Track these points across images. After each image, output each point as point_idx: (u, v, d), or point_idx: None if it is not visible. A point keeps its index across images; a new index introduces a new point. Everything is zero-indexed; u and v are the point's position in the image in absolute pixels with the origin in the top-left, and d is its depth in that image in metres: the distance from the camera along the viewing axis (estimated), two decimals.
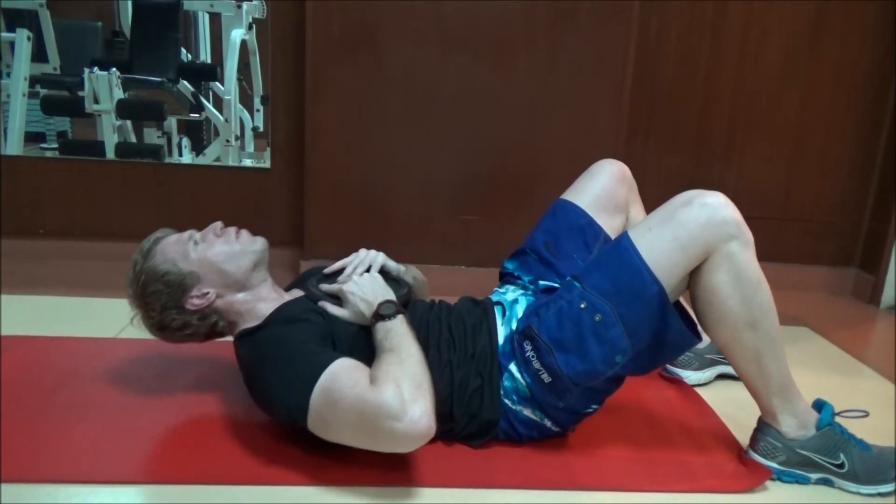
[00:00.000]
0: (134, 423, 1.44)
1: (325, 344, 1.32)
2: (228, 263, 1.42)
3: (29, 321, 1.93)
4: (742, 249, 1.27)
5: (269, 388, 1.29)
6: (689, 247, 1.27)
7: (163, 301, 1.41)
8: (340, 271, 1.51)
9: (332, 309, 1.41)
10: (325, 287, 1.46)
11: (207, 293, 1.42)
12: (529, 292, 1.54)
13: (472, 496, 1.29)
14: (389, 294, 1.40)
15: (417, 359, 1.23)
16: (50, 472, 1.26)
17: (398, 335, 1.28)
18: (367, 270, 1.49)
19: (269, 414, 1.34)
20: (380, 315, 1.32)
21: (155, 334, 1.47)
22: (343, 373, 1.20)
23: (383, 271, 1.53)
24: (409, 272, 1.61)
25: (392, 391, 1.14)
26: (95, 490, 1.23)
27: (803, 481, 1.38)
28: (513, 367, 1.37)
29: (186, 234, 1.46)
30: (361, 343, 1.34)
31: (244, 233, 1.48)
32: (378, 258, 1.53)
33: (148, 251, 1.43)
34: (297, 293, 1.50)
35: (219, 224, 1.47)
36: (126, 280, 1.44)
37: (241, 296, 1.45)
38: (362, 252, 1.54)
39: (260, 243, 1.47)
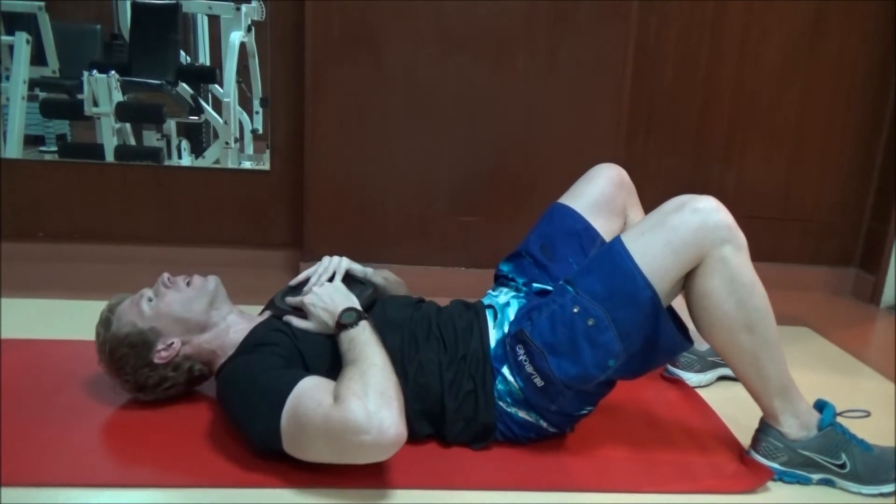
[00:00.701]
0: (133, 426, 1.44)
1: (292, 363, 1.34)
2: (184, 311, 1.45)
3: (28, 324, 1.93)
4: (735, 253, 1.28)
5: (241, 418, 1.32)
6: (682, 251, 1.27)
7: (132, 363, 1.43)
8: (306, 282, 1.52)
9: (297, 322, 1.42)
10: (289, 300, 1.48)
11: (172, 343, 1.44)
12: (522, 295, 1.54)
13: (471, 498, 1.29)
14: (351, 301, 1.41)
15: (380, 366, 1.24)
16: (49, 476, 1.26)
17: (360, 344, 1.29)
18: (332, 278, 1.51)
19: (248, 444, 1.33)
20: (341, 324, 1.33)
21: (137, 397, 1.49)
22: (306, 394, 1.21)
23: (348, 275, 1.54)
24: (378, 273, 1.62)
25: (355, 405, 1.15)
26: (95, 493, 1.23)
27: (805, 482, 1.38)
28: (505, 371, 1.37)
29: (139, 294, 1.48)
30: (331, 352, 1.35)
31: (195, 277, 1.50)
32: (342, 264, 1.55)
33: (106, 320, 1.46)
34: (268, 314, 1.52)
35: (166, 275, 1.49)
36: (97, 353, 1.46)
37: (206, 336, 1.47)
38: (325, 260, 1.56)
39: (212, 283, 1.50)
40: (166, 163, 2.76)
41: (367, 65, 2.32)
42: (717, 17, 2.50)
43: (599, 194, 1.63)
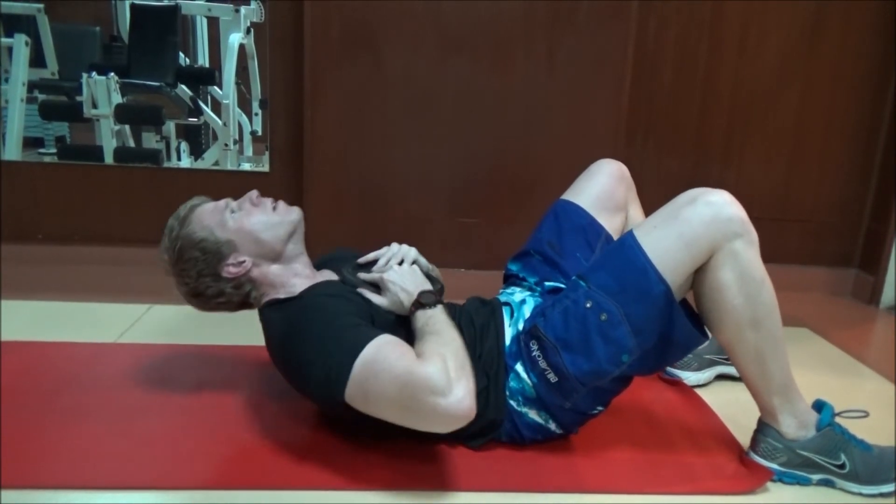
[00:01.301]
0: (134, 428, 1.44)
1: (367, 321, 1.31)
2: (265, 232, 1.42)
3: (28, 326, 1.93)
4: (747, 247, 1.27)
5: (308, 354, 1.26)
6: (694, 245, 1.27)
7: (199, 268, 1.41)
8: (373, 263, 1.49)
9: (370, 296, 1.39)
10: (363, 275, 1.45)
11: (244, 261, 1.42)
12: (536, 293, 1.54)
13: (474, 499, 1.29)
14: (428, 285, 1.40)
15: (460, 343, 1.23)
16: (49, 478, 1.26)
17: (439, 322, 1.28)
18: (400, 263, 1.48)
19: (300, 384, 1.31)
20: (420, 304, 1.32)
21: (189, 301, 1.47)
22: (389, 346, 1.20)
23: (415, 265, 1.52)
24: (436, 271, 1.60)
25: (439, 367, 1.13)
26: (94, 496, 1.23)
27: (804, 482, 1.38)
28: (519, 368, 1.37)
29: (223, 202, 1.46)
30: (399, 334, 1.31)
31: (281, 203, 1.48)
32: (411, 253, 1.51)
33: (184, 218, 1.43)
34: (330, 275, 1.49)
35: (255, 193, 1.47)
36: (161, 247, 1.44)
37: (276, 267, 1.45)
38: (395, 245, 1.52)
39: (296, 213, 1.47)
40: (165, 164, 2.76)
41: (367, 66, 2.32)
42: (716, 18, 2.50)
43: (602, 189, 1.63)
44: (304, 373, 1.27)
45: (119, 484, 1.26)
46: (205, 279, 1.42)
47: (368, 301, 1.38)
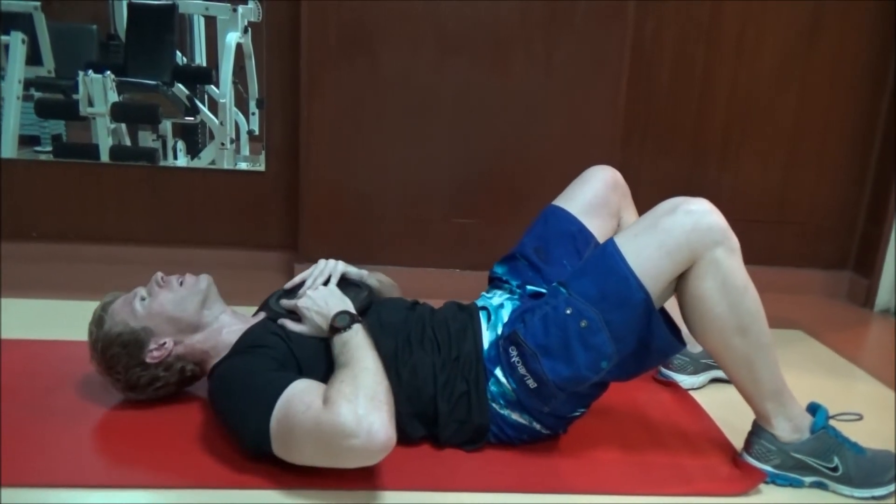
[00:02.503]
0: (127, 427, 1.44)
1: (285, 366, 1.33)
2: (176, 310, 1.45)
3: (23, 325, 1.92)
4: (727, 255, 1.28)
5: (231, 419, 1.31)
6: (675, 253, 1.27)
7: (124, 362, 1.43)
8: (301, 285, 1.52)
9: (291, 325, 1.42)
10: (283, 303, 1.48)
11: (164, 343, 1.44)
12: (516, 297, 1.54)
13: (463, 499, 1.29)
14: (345, 304, 1.41)
15: (372, 370, 1.23)
16: (43, 476, 1.26)
17: (353, 347, 1.28)
18: (328, 281, 1.51)
19: (238, 444, 1.33)
20: (334, 328, 1.33)
21: (128, 396, 1.49)
22: (297, 398, 1.21)
23: (344, 279, 1.54)
24: (372, 276, 1.62)
25: (345, 409, 1.14)
26: (88, 494, 1.23)
27: (797, 485, 1.38)
28: (498, 372, 1.37)
29: (133, 292, 1.48)
30: (325, 356, 1.34)
31: (187, 277, 1.50)
32: (338, 267, 1.55)
33: (99, 319, 1.45)
34: (262, 316, 1.51)
35: (159, 274, 1.49)
36: (89, 352, 1.46)
37: (199, 336, 1.47)
38: (321, 262, 1.56)
39: (204, 281, 1.50)
40: (161, 163, 2.75)
41: (363, 66, 2.31)
42: (714, 19, 2.50)
43: (594, 196, 1.63)
44: (236, 438, 1.32)
45: (112, 482, 1.26)
46: (134, 370, 1.44)
47: (288, 333, 1.40)
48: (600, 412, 1.46)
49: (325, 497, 1.25)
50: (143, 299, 1.46)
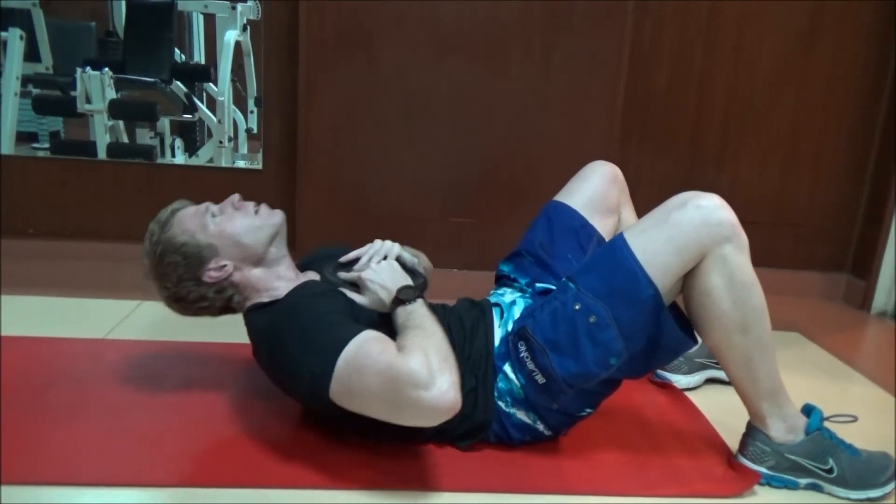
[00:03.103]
0: (123, 424, 1.43)
1: (350, 319, 1.30)
2: (246, 236, 1.41)
3: (18, 322, 1.92)
4: (736, 252, 1.27)
5: (292, 354, 1.25)
6: (684, 249, 1.27)
7: (179, 272, 1.40)
8: (355, 261, 1.49)
9: (352, 296, 1.38)
10: (342, 275, 1.44)
11: (225, 266, 1.40)
12: (527, 294, 1.54)
13: (462, 499, 1.29)
14: (408, 280, 1.39)
15: (442, 335, 1.22)
16: (41, 474, 1.25)
17: (420, 316, 1.27)
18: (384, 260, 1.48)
19: (286, 385, 1.31)
20: (399, 300, 1.31)
21: (170, 306, 1.46)
22: (370, 342, 1.19)
23: (399, 262, 1.51)
24: (420, 262, 1.59)
25: (420, 360, 1.13)
26: (82, 492, 1.23)
27: (792, 486, 1.38)
28: (507, 369, 1.37)
29: (204, 206, 1.45)
30: (383, 331, 1.30)
31: (263, 206, 1.47)
32: (394, 249, 1.51)
33: (165, 222, 1.42)
34: (314, 275, 1.48)
35: (237, 196, 1.46)
36: (142, 251, 1.43)
37: (258, 271, 1.44)
38: (377, 242, 1.52)
39: (278, 216, 1.46)
40: (159, 161, 2.75)
41: (361, 66, 2.31)
42: (712, 19, 2.50)
43: (594, 191, 1.63)
44: (290, 373, 1.27)
45: (106, 480, 1.26)
46: (186, 284, 1.41)
47: (350, 300, 1.38)
48: (597, 413, 1.46)
49: (321, 497, 1.25)
50: (214, 216, 1.42)
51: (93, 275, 2.39)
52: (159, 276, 1.42)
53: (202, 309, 1.45)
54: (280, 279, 1.44)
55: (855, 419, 1.44)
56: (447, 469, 1.35)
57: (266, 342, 1.34)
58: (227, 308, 1.47)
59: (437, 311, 1.46)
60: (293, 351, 1.25)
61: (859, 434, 1.43)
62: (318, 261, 1.54)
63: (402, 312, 1.30)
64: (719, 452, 1.48)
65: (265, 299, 1.40)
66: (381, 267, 1.41)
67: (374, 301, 1.37)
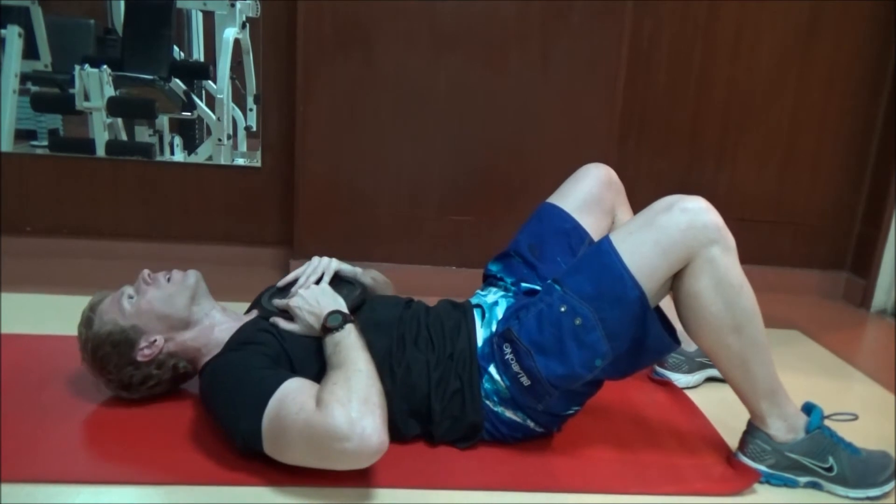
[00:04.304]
0: (120, 422, 1.43)
1: (277, 364, 1.32)
2: (164, 307, 1.43)
3: (15, 319, 1.92)
4: (723, 254, 1.27)
5: (223, 416, 1.31)
6: (670, 252, 1.27)
7: (115, 361, 1.42)
8: (294, 283, 1.51)
9: (283, 324, 1.41)
10: (276, 302, 1.47)
11: (155, 341, 1.42)
12: (511, 294, 1.53)
13: (457, 498, 1.28)
14: (337, 303, 1.40)
15: (365, 372, 1.22)
16: (35, 472, 1.25)
17: (345, 348, 1.28)
18: (321, 279, 1.50)
19: (230, 443, 1.32)
20: (327, 328, 1.32)
21: (121, 396, 1.48)
22: (289, 398, 1.20)
23: (337, 276, 1.53)
24: (366, 274, 1.61)
25: (338, 412, 1.14)
26: (79, 490, 1.22)
27: (792, 485, 1.38)
28: (492, 370, 1.37)
29: (119, 291, 1.46)
30: (317, 354, 1.34)
31: (174, 273, 1.48)
32: (331, 265, 1.54)
33: (87, 319, 1.44)
34: (254, 313, 1.51)
35: (146, 272, 1.47)
36: (80, 352, 1.45)
37: (189, 333, 1.46)
38: (314, 260, 1.55)
39: (192, 277, 1.48)
40: (158, 159, 2.75)
41: (359, 63, 2.31)
42: (711, 18, 2.50)
43: (588, 193, 1.62)
44: (228, 436, 1.31)
45: (102, 478, 1.26)
46: (126, 370, 1.42)
47: (281, 331, 1.40)
48: (595, 411, 1.46)
49: (319, 495, 1.25)
50: (130, 297, 1.44)
51: (91, 272, 2.39)
52: (99, 370, 1.44)
53: (153, 388, 1.47)
54: (216, 330, 1.46)
55: (855, 417, 1.44)
56: (445, 467, 1.35)
57: (205, 406, 1.39)
58: (179, 378, 1.49)
59: (413, 308, 1.49)
60: (223, 415, 1.30)
61: (859, 433, 1.43)
62: (265, 293, 1.56)
63: (329, 343, 1.31)
64: (719, 451, 1.48)
65: (210, 357, 1.42)
66: (309, 293, 1.42)
67: (306, 327, 1.39)
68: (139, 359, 1.42)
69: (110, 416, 1.45)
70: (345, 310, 1.38)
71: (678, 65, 2.54)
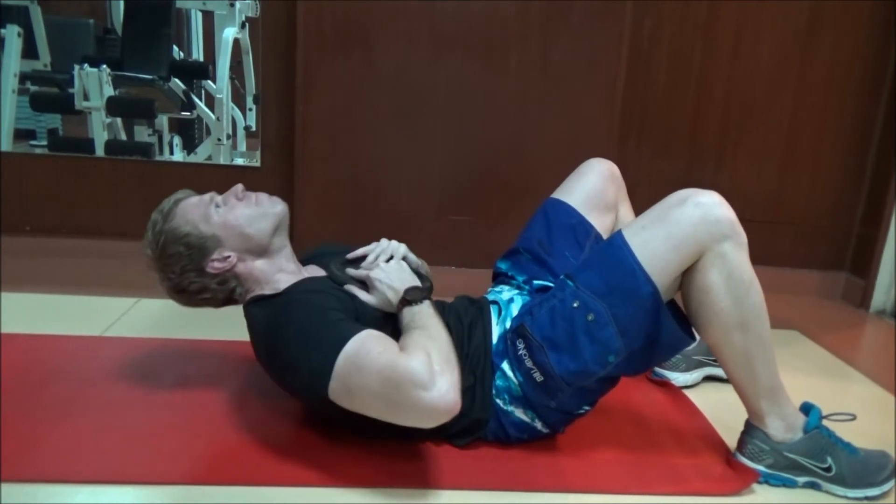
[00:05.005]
0: (120, 421, 1.43)
1: (351, 318, 1.29)
2: (250, 227, 1.40)
3: (15, 319, 1.91)
4: (735, 250, 1.27)
5: (290, 350, 1.25)
6: (683, 246, 1.26)
7: (182, 263, 1.39)
8: (362, 259, 1.48)
9: (359, 293, 1.38)
10: (351, 272, 1.44)
11: (228, 256, 1.39)
12: (525, 292, 1.53)
13: (459, 497, 1.28)
14: (416, 281, 1.39)
15: (446, 337, 1.22)
16: (35, 472, 1.25)
17: (426, 316, 1.27)
18: (390, 259, 1.47)
19: (284, 381, 1.31)
20: (406, 300, 1.31)
21: (172, 297, 1.45)
22: (371, 340, 1.18)
23: (405, 262, 1.51)
24: (423, 267, 1.58)
25: (422, 360, 1.13)
26: (79, 489, 1.22)
27: (790, 485, 1.38)
28: (505, 366, 1.37)
29: (207, 196, 1.43)
30: (386, 331, 1.29)
31: (264, 196, 1.45)
32: (400, 249, 1.50)
33: (168, 212, 1.41)
34: (317, 270, 1.47)
35: (240, 187, 1.44)
36: (144, 241, 1.42)
37: (261, 262, 1.42)
38: (384, 241, 1.51)
39: (280, 206, 1.45)
40: (157, 158, 2.75)
41: (359, 63, 2.31)
42: (711, 19, 2.50)
43: (592, 188, 1.63)
44: (288, 370, 1.26)
45: (103, 478, 1.25)
46: (189, 275, 1.40)
47: (355, 297, 1.37)
48: (594, 411, 1.45)
49: (320, 495, 1.25)
50: (218, 207, 1.41)
51: (91, 272, 2.39)
52: (162, 266, 1.41)
53: (204, 300, 1.44)
54: (282, 272, 1.43)
55: (854, 418, 1.44)
56: (445, 467, 1.35)
57: (265, 337, 1.33)
58: (229, 300, 1.46)
59: (438, 310, 1.46)
60: (292, 348, 1.24)
61: (858, 432, 1.43)
62: (323, 256, 1.53)
63: (407, 312, 1.30)
64: (717, 451, 1.48)
65: (266, 292, 1.39)
66: (389, 266, 1.41)
67: (382, 300, 1.37)
68: (207, 269, 1.39)
69: (112, 415, 1.45)
70: (423, 287, 1.37)
71: (678, 65, 2.54)
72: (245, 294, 1.43)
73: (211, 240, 1.39)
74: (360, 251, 1.50)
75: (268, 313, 1.34)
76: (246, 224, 1.40)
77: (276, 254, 1.44)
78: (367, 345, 1.17)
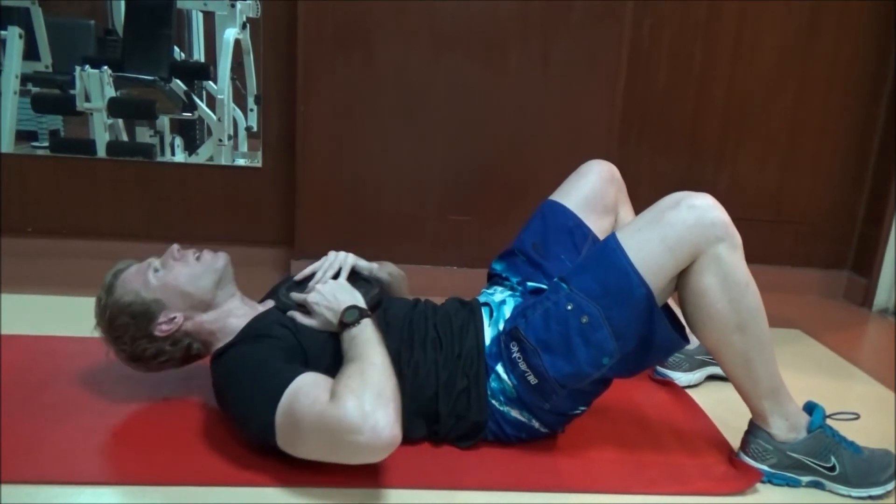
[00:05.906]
0: (118, 423, 1.43)
1: (292, 358, 1.31)
2: (190, 285, 1.42)
3: (15, 319, 1.91)
4: (730, 252, 1.27)
5: (237, 409, 1.30)
6: (677, 249, 1.27)
7: (131, 332, 1.41)
8: (311, 277, 1.50)
9: (301, 318, 1.40)
10: (293, 296, 1.46)
11: (174, 318, 1.41)
12: (517, 293, 1.53)
13: (460, 497, 1.28)
14: (355, 299, 1.39)
15: (380, 367, 1.22)
16: (35, 473, 1.25)
17: (361, 343, 1.27)
18: (338, 274, 1.49)
19: (242, 433, 1.33)
20: (344, 323, 1.32)
21: (131, 367, 1.47)
22: (303, 390, 1.20)
23: (354, 272, 1.52)
24: (383, 269, 1.60)
25: (352, 404, 1.13)
26: (79, 491, 1.22)
27: (794, 484, 1.37)
28: (499, 369, 1.37)
29: (146, 262, 1.45)
30: (332, 350, 1.33)
31: (205, 252, 1.47)
32: (348, 260, 1.53)
33: (110, 286, 1.43)
34: (269, 304, 1.50)
35: (175, 247, 1.46)
36: (94, 318, 1.44)
37: (208, 315, 1.44)
38: (331, 255, 1.54)
39: (221, 260, 1.47)
40: (159, 159, 2.75)
41: (360, 63, 2.31)
42: (711, 18, 2.50)
43: (590, 190, 1.62)
44: (243, 425, 1.31)
45: (103, 479, 1.25)
46: (140, 342, 1.41)
47: (297, 324, 1.39)
48: (597, 411, 1.45)
49: (320, 495, 1.24)
50: (156, 270, 1.43)
51: (91, 273, 2.37)
52: (114, 339, 1.43)
53: (163, 363, 1.46)
54: (232, 317, 1.45)
55: (857, 417, 1.43)
56: (446, 467, 1.35)
57: (217, 397, 1.38)
58: (188, 357, 1.48)
59: (420, 308, 1.48)
60: (237, 406, 1.30)
61: (861, 432, 1.43)
62: (282, 284, 1.55)
63: (346, 337, 1.31)
64: (721, 450, 1.48)
65: (223, 342, 1.41)
66: (326, 288, 1.42)
67: (323, 322, 1.38)
68: (156, 333, 1.41)
69: (110, 416, 1.45)
70: (362, 305, 1.38)
71: (678, 65, 2.54)
72: (204, 348, 1.46)
73: (154, 304, 1.40)
74: (307, 270, 1.52)
75: (217, 371, 1.38)
76: (185, 283, 1.42)
77: (223, 304, 1.46)
78: (299, 398, 1.19)
